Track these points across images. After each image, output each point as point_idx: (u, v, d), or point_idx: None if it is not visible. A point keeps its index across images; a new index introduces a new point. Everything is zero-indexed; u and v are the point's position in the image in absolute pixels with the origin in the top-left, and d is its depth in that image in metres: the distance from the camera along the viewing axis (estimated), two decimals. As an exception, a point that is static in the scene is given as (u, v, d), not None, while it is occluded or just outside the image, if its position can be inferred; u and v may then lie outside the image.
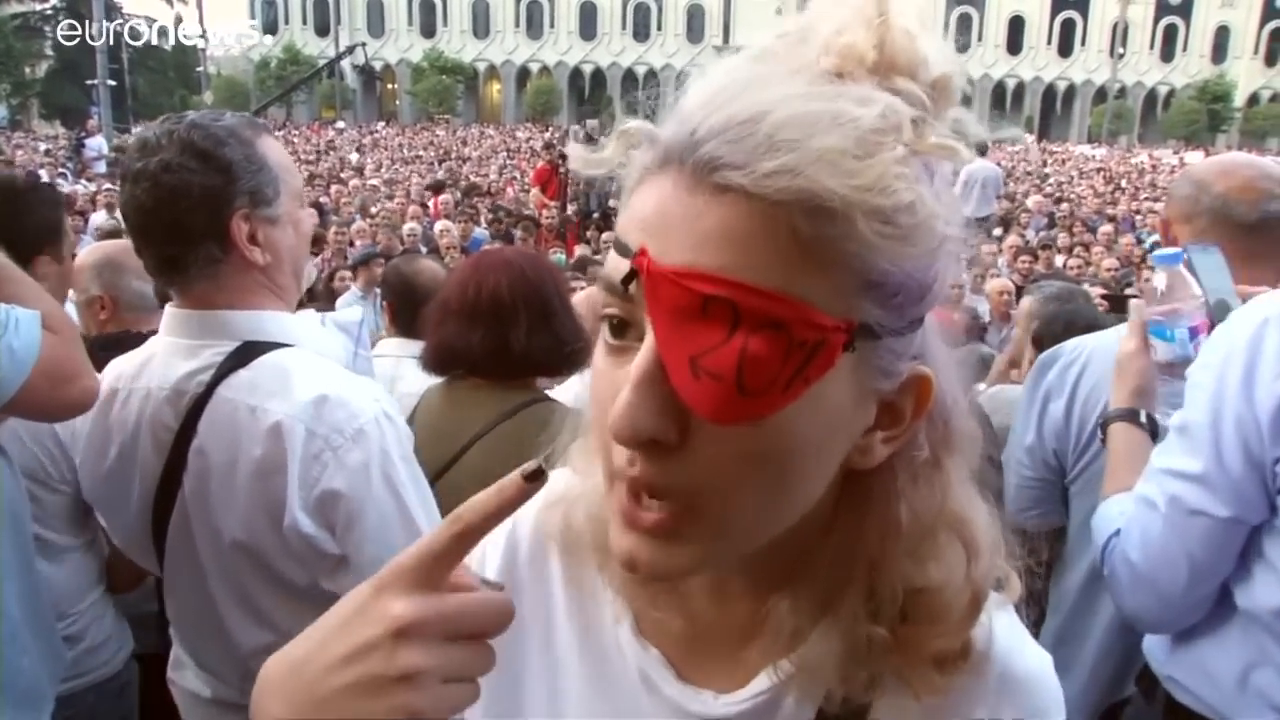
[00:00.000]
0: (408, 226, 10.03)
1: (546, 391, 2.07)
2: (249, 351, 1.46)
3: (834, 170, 0.52)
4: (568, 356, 1.96)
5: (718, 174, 0.54)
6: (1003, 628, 0.69)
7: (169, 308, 1.54)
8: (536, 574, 0.80)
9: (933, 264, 0.58)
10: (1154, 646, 1.53)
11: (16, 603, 1.59)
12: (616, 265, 0.58)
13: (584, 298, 2.87)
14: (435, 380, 2.19)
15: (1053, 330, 2.59)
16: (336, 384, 1.45)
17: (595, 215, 12.13)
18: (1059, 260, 9.30)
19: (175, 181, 1.40)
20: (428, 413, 2.05)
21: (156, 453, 1.49)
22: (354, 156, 25.16)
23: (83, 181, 16.38)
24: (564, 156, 12.63)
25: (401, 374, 2.62)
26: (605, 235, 9.89)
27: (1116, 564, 1.47)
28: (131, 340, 2.08)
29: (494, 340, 1.93)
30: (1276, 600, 1.30)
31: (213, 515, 1.46)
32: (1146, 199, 19.12)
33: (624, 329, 0.59)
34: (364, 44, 38.39)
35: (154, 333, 1.58)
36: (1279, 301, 1.29)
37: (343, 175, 18.25)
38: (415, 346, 2.73)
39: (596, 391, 0.61)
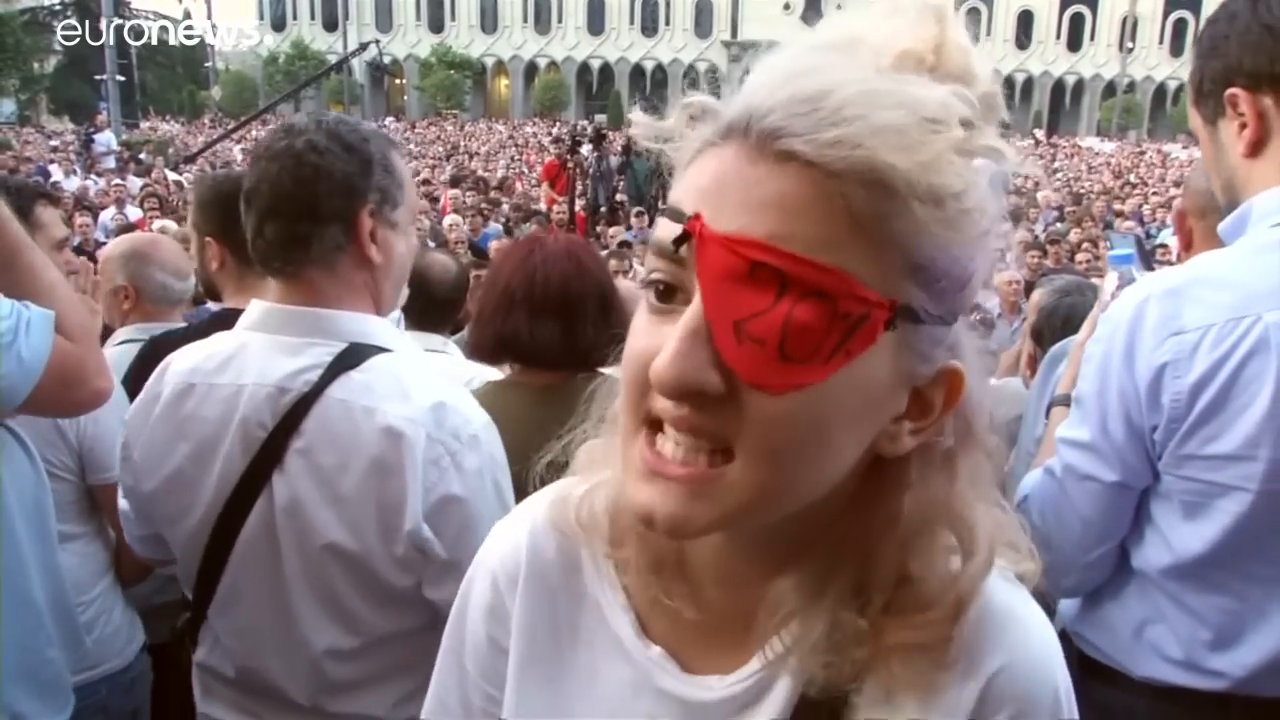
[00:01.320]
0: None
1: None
2: (357, 353, 1.45)
3: (895, 145, 0.54)
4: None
5: (780, 141, 0.55)
6: (992, 588, 0.68)
7: (265, 304, 1.50)
8: (540, 575, 0.81)
9: (974, 256, 0.59)
10: (1065, 605, 1.61)
11: (41, 593, 1.59)
12: (668, 230, 0.59)
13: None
14: (460, 371, 2.20)
15: (1052, 324, 2.58)
16: (449, 390, 1.47)
17: (603, 209, 12.14)
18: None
19: (320, 161, 1.43)
20: (514, 414, 1.98)
21: (244, 452, 1.44)
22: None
23: (92, 177, 16.41)
24: (572, 152, 12.63)
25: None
26: (612, 230, 9.88)
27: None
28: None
29: (563, 332, 1.92)
30: (1163, 560, 1.38)
31: (308, 517, 1.43)
32: (1154, 194, 19.03)
33: (670, 294, 0.60)
34: (378, 41, 38.32)
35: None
36: (1161, 280, 1.35)
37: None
38: (429, 339, 2.73)
39: (635, 349, 0.62)
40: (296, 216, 1.44)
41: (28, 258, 1.51)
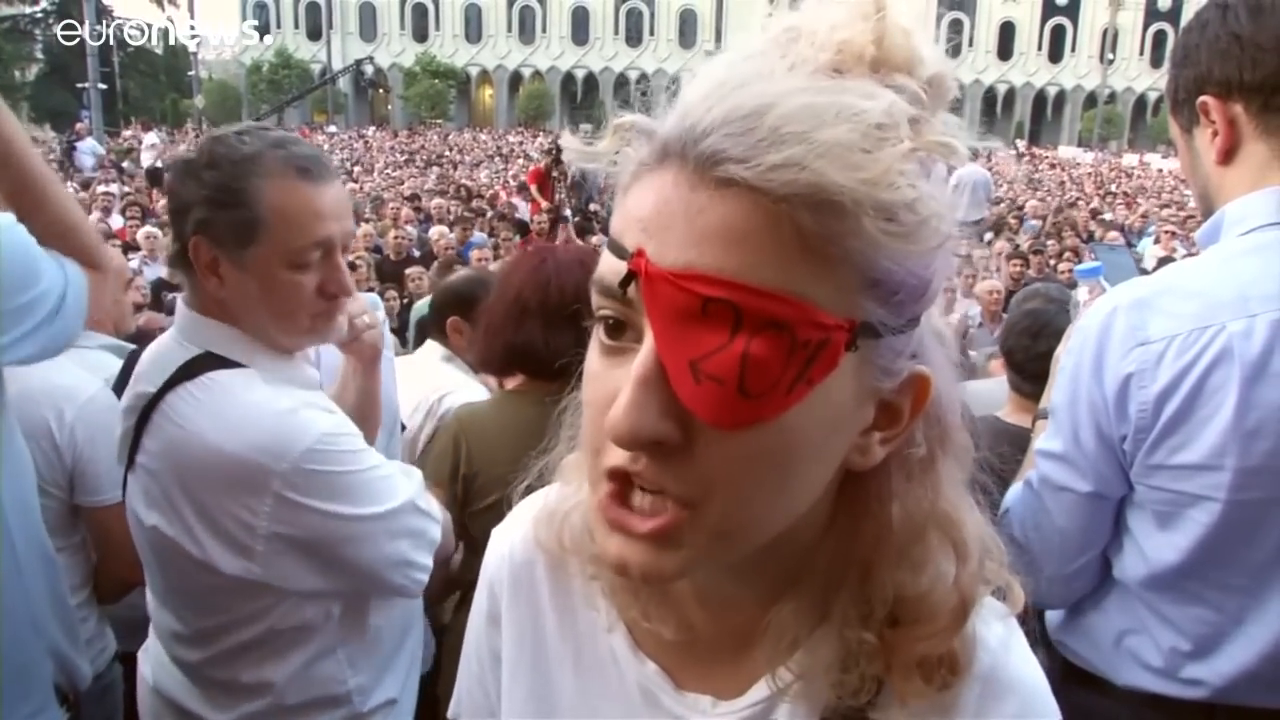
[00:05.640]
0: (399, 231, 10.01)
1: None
2: (202, 364, 1.44)
3: (841, 163, 0.51)
4: None
5: (720, 168, 0.52)
6: (995, 634, 0.67)
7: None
8: (527, 588, 0.79)
9: (932, 262, 0.57)
10: (1050, 614, 1.62)
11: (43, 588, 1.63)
12: (613, 267, 0.56)
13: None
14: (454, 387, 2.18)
15: (1020, 336, 2.55)
16: (273, 414, 1.40)
17: (575, 219, 12.06)
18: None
19: (172, 179, 1.49)
20: (524, 421, 1.96)
21: (122, 453, 1.52)
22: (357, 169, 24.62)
23: (73, 185, 16.30)
24: (557, 161, 12.62)
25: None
26: (595, 239, 9.87)
27: (1002, 541, 1.54)
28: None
29: (578, 342, 1.90)
30: (1140, 571, 1.38)
31: (155, 508, 1.45)
32: (1137, 202, 19.15)
33: (620, 329, 0.58)
34: (371, 57, 37.84)
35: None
36: (1129, 291, 1.36)
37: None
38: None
39: (591, 395, 0.59)
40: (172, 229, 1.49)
41: (55, 187, 1.57)
